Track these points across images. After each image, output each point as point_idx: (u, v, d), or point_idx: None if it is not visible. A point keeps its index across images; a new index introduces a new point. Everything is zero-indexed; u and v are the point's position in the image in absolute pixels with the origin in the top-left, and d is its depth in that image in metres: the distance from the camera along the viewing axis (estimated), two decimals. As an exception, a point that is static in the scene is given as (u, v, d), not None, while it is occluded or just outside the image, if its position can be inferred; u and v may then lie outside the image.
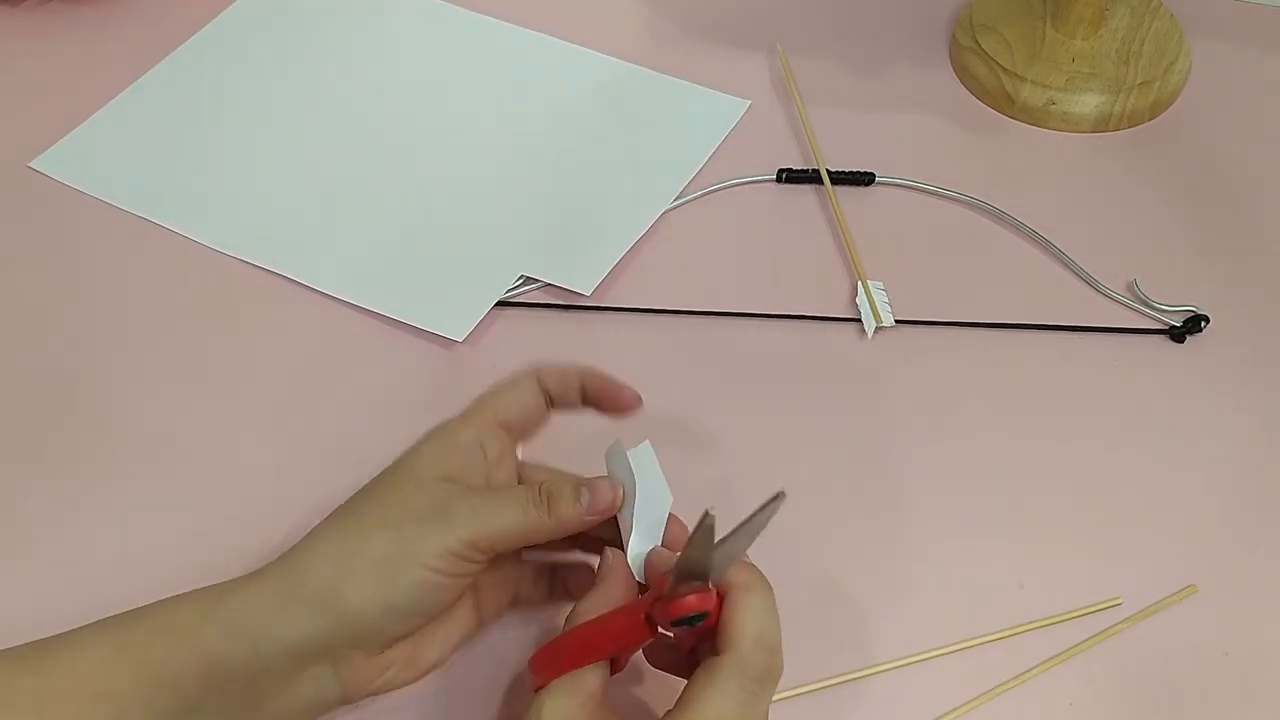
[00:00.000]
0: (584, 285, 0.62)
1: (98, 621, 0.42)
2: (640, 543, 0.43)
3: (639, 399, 0.47)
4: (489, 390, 0.47)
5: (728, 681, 0.37)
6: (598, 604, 0.41)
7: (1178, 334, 0.60)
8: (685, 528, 0.44)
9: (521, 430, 0.47)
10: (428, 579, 0.41)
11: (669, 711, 0.38)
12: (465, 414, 0.46)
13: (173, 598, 0.42)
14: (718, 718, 0.37)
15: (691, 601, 0.38)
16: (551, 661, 0.40)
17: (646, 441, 0.45)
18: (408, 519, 0.42)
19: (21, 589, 0.52)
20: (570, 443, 0.48)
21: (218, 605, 0.41)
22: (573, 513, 0.43)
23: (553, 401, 0.47)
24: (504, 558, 0.45)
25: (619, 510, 0.44)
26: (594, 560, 0.45)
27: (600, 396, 0.47)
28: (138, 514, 0.54)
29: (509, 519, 0.42)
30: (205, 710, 0.41)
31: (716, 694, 0.37)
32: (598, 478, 0.44)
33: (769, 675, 0.39)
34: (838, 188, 0.66)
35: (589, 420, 0.48)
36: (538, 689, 0.40)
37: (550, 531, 0.43)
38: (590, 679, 0.39)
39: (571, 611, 0.41)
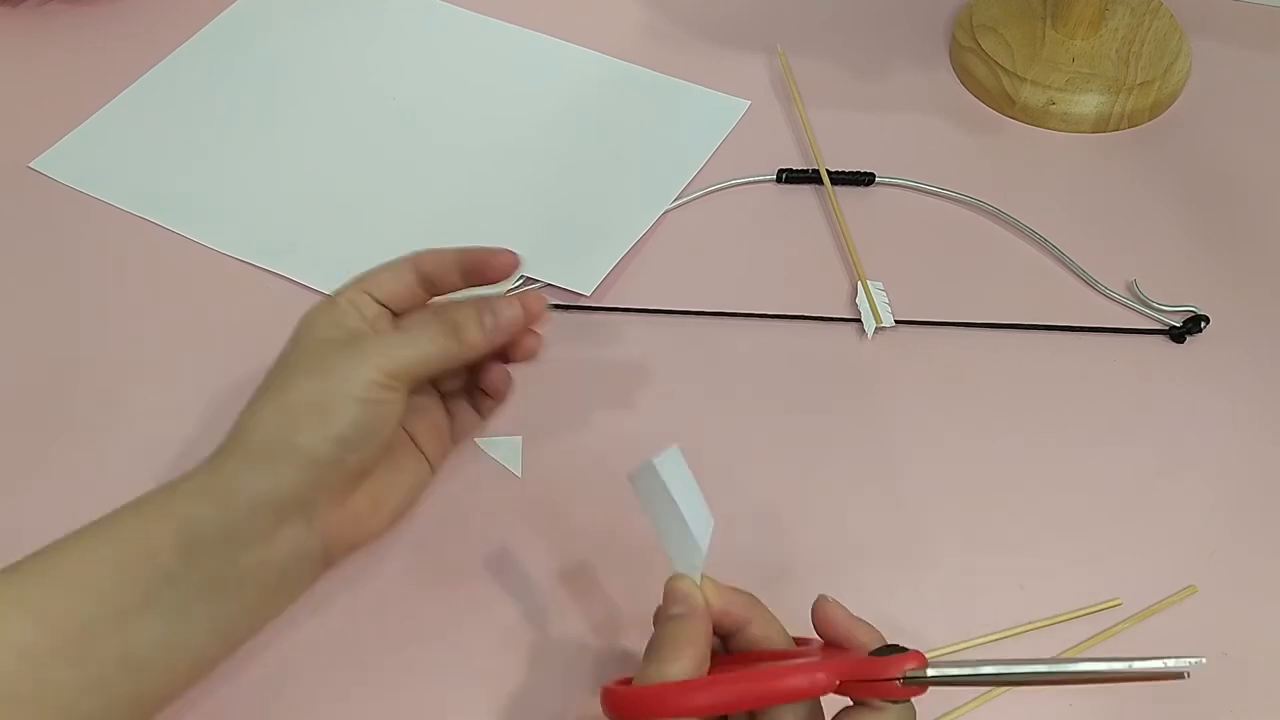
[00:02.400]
0: (584, 285, 0.62)
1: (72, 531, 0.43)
2: (696, 558, 0.42)
3: (514, 259, 0.48)
4: (363, 271, 0.49)
5: None
6: (690, 636, 0.40)
7: (1178, 334, 0.60)
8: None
9: (394, 309, 0.49)
10: (361, 409, 0.43)
11: None
12: (337, 289, 0.48)
13: (142, 494, 0.44)
14: None
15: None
16: (682, 701, 0.38)
17: (675, 447, 0.42)
18: (327, 363, 0.44)
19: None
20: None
21: (182, 481, 0.43)
22: (479, 338, 0.46)
23: (433, 284, 0.49)
24: (428, 402, 0.50)
25: (531, 323, 0.47)
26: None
27: (477, 267, 0.48)
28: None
29: (420, 349, 0.45)
30: (186, 582, 0.41)
31: None
32: (498, 299, 0.47)
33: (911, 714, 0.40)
34: (838, 188, 0.66)
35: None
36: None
37: (461, 358, 0.46)
38: None
39: (656, 643, 0.40)
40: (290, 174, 0.68)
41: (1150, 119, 0.70)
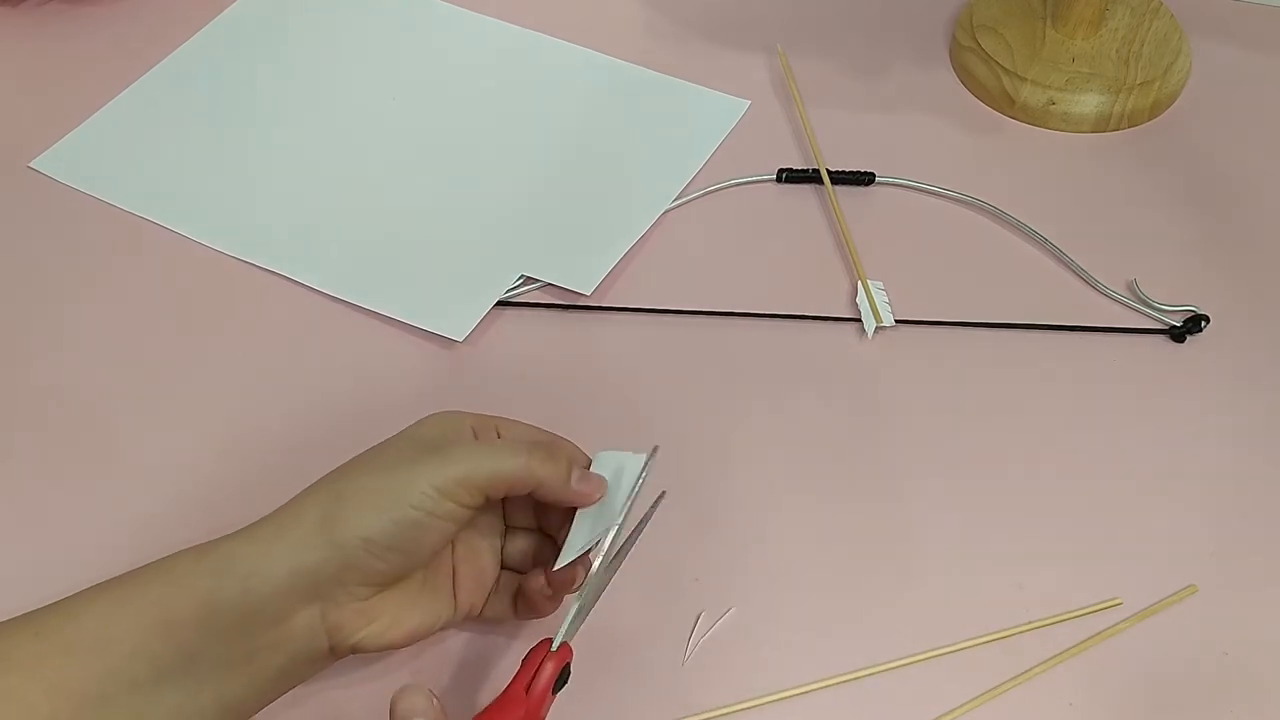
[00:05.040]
0: (584, 285, 0.62)
1: (99, 583, 0.42)
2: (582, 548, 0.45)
3: (599, 492, 0.46)
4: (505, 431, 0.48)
5: None
6: None
7: (1178, 334, 0.60)
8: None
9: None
10: (405, 515, 0.42)
11: None
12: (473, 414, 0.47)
13: (172, 553, 0.43)
14: None
15: (551, 669, 0.43)
16: None
17: (644, 454, 0.46)
18: (403, 462, 0.43)
19: (19, 581, 0.52)
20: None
21: (211, 550, 0.43)
22: (563, 476, 0.44)
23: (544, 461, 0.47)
24: (486, 553, 0.47)
25: (590, 505, 0.45)
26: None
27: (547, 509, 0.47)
28: (135, 515, 0.54)
29: (501, 460, 0.44)
30: (201, 659, 0.41)
31: None
32: (594, 473, 0.46)
33: None
34: (838, 188, 0.66)
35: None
36: None
37: (536, 482, 0.44)
38: None
39: None
40: (290, 173, 0.68)
41: (1150, 119, 0.70)
